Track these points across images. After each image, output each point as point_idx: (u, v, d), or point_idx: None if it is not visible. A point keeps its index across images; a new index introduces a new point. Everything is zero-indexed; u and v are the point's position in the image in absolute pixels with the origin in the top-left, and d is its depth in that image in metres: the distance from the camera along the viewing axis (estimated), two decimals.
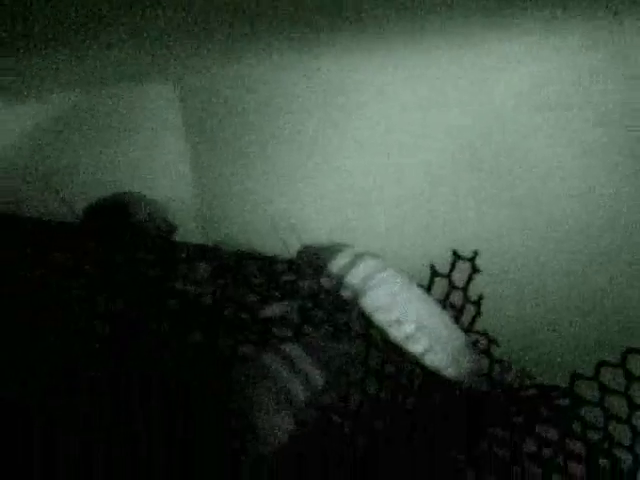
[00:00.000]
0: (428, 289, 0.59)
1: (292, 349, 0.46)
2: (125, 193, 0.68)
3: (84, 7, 0.65)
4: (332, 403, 0.48)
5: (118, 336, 0.49)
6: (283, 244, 0.58)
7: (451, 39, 0.66)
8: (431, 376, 0.53)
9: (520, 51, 0.65)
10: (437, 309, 0.53)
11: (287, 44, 0.73)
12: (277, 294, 0.58)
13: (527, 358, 0.56)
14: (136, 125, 0.78)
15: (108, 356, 0.48)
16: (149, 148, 0.78)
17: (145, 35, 0.70)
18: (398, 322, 0.51)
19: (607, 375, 0.51)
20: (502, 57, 0.66)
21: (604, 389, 0.51)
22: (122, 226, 0.64)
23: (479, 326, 0.58)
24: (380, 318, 0.52)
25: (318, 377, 0.45)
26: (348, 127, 0.73)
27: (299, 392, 0.43)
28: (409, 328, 0.51)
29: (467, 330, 0.57)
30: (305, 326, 0.56)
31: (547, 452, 0.50)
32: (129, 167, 0.77)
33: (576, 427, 0.52)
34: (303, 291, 0.56)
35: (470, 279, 0.58)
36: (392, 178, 0.71)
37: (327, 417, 0.50)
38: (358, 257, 0.54)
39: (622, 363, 0.50)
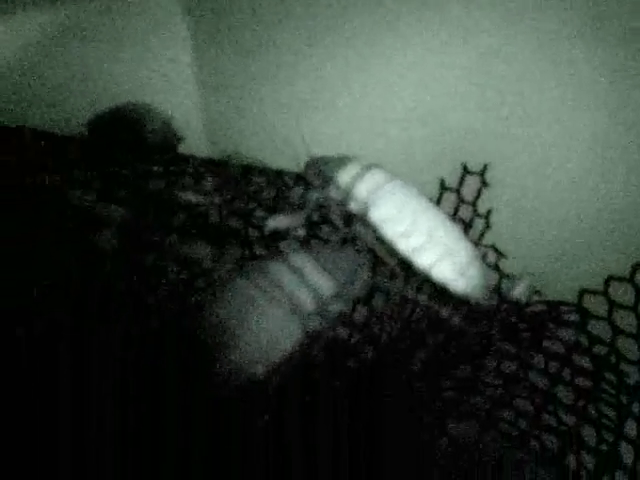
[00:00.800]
0: (437, 203, 0.58)
1: (299, 259, 0.45)
2: (129, 104, 0.67)
3: None
4: (339, 314, 0.48)
5: (124, 248, 0.48)
6: (294, 156, 0.57)
7: None
8: (439, 290, 0.53)
9: None
10: (445, 221, 0.52)
11: None
12: (285, 207, 0.57)
13: (536, 273, 0.55)
14: (139, 35, 0.77)
15: (115, 268, 0.48)
16: (153, 59, 0.77)
17: None
18: (406, 234, 0.51)
19: (616, 290, 0.51)
20: None
21: (612, 304, 0.51)
22: (127, 137, 0.64)
23: (488, 240, 0.57)
24: (387, 230, 0.51)
25: (325, 287, 0.45)
26: (362, 43, 0.71)
27: (307, 301, 0.43)
28: (417, 240, 0.51)
29: (476, 244, 0.57)
30: (312, 240, 0.56)
31: (554, 366, 0.50)
32: (132, 79, 0.76)
33: (583, 342, 0.52)
34: (311, 204, 0.55)
35: (479, 193, 0.58)
36: (403, 93, 0.70)
37: (334, 328, 0.50)
38: (366, 169, 0.54)
39: (631, 278, 0.50)
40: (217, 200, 0.54)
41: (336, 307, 0.46)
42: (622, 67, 0.59)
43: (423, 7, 0.67)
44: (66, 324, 0.43)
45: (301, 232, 0.55)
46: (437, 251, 0.50)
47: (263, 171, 0.62)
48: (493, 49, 0.65)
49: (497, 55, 0.65)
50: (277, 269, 0.44)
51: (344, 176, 0.53)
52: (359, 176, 0.53)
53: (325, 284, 0.45)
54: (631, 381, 0.49)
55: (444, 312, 0.55)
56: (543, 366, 0.51)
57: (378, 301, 0.54)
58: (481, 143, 0.64)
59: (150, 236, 0.49)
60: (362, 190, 0.52)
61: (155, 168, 0.56)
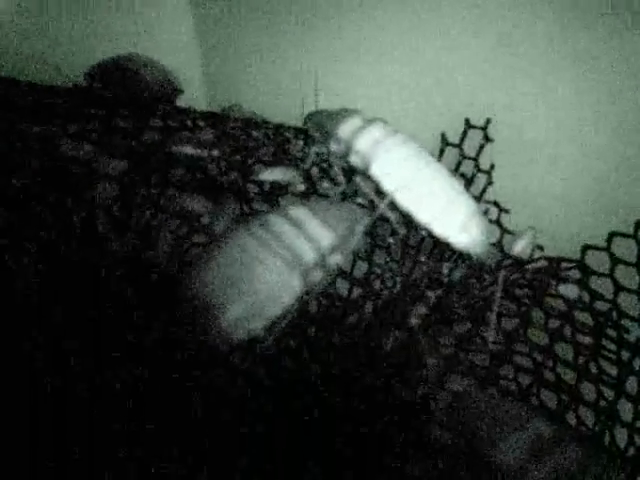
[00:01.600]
0: (439, 158, 0.58)
1: (299, 212, 0.45)
2: (129, 55, 0.66)
3: None
4: (339, 267, 0.48)
5: (121, 201, 0.48)
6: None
7: None
8: (439, 245, 0.53)
9: None
10: (447, 176, 0.52)
11: None
12: (285, 161, 0.57)
13: (538, 229, 0.55)
14: None
15: (111, 222, 0.47)
16: (154, 11, 0.76)
17: None
18: (407, 188, 0.50)
19: (619, 247, 0.50)
20: None
21: (615, 260, 0.50)
22: (125, 88, 0.63)
23: (490, 196, 0.57)
24: (388, 184, 0.51)
25: (325, 239, 0.44)
26: (362, 11, 0.70)
27: (306, 254, 0.43)
28: (418, 195, 0.50)
29: (478, 199, 0.56)
30: (312, 195, 0.55)
31: (555, 323, 0.50)
32: (131, 31, 0.75)
33: (585, 298, 0.52)
34: (311, 158, 0.55)
35: (482, 148, 0.57)
36: (406, 47, 0.69)
37: (334, 282, 0.50)
38: (367, 123, 0.53)
39: (635, 234, 0.49)
40: (216, 154, 0.53)
41: (335, 259, 0.46)
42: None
43: None
44: (61, 281, 0.43)
45: (301, 187, 0.54)
46: (438, 206, 0.50)
47: (263, 125, 0.61)
48: (499, 4, 0.64)
49: (501, 10, 0.64)
50: (277, 222, 0.43)
51: (345, 130, 0.53)
52: (360, 130, 0.52)
53: (325, 236, 0.44)
54: (632, 338, 0.49)
55: (444, 268, 0.55)
56: (544, 322, 0.51)
57: (379, 256, 0.53)
58: (484, 97, 0.63)
59: (148, 190, 0.49)
60: (363, 144, 0.52)
61: (153, 120, 0.55)
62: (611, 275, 0.50)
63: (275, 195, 0.54)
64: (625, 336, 0.49)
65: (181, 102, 0.67)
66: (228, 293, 0.40)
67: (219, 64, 0.78)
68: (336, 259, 0.46)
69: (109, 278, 0.44)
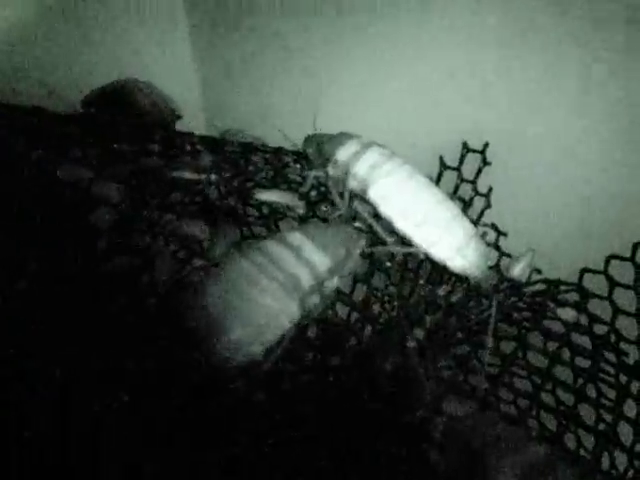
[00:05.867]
0: (437, 181, 0.58)
1: (296, 237, 0.45)
2: (128, 80, 0.67)
3: None
4: (337, 291, 0.48)
5: (120, 227, 0.48)
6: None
7: None
8: (438, 268, 0.53)
9: None
10: (445, 200, 0.52)
11: None
12: (284, 185, 0.57)
13: (536, 252, 0.55)
14: (136, 12, 0.76)
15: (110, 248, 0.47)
16: (153, 36, 0.77)
17: None
18: (404, 213, 0.50)
19: (616, 270, 0.51)
20: None
21: (613, 282, 0.50)
22: (124, 114, 0.63)
23: (488, 219, 0.57)
24: (386, 209, 0.51)
25: (322, 264, 0.44)
26: (363, 21, 0.71)
27: (304, 279, 0.43)
28: (415, 219, 0.50)
29: (476, 222, 0.56)
30: (311, 219, 0.55)
31: (553, 346, 0.50)
32: (130, 56, 0.76)
33: (583, 321, 0.52)
34: (309, 182, 0.55)
35: (480, 171, 0.58)
36: (402, 70, 0.69)
37: (332, 306, 0.50)
38: (365, 147, 0.53)
39: (632, 257, 0.50)
40: (214, 178, 0.54)
41: (333, 284, 0.46)
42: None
43: None
44: (60, 303, 0.43)
45: (300, 210, 0.54)
46: (435, 230, 0.50)
47: (261, 149, 0.62)
48: (493, 28, 0.64)
49: (496, 33, 0.64)
50: (274, 247, 0.44)
51: (343, 154, 0.53)
52: (358, 154, 0.53)
53: (322, 261, 0.45)
54: (630, 361, 0.49)
55: (442, 291, 0.55)
56: (542, 345, 0.51)
57: (377, 279, 0.53)
58: (482, 121, 0.63)
59: (147, 214, 0.49)
60: (361, 168, 0.52)
61: (152, 145, 0.55)
62: (609, 298, 0.51)
63: (274, 218, 0.54)
64: (623, 359, 0.49)
65: (180, 126, 0.68)
66: (226, 318, 0.40)
67: (218, 88, 0.78)
68: (334, 283, 0.46)
69: (108, 301, 0.44)
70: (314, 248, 0.45)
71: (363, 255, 0.51)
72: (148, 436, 0.40)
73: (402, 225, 0.51)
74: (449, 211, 0.51)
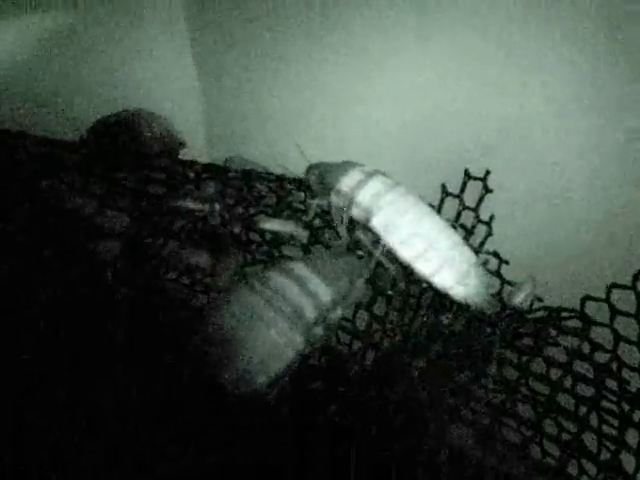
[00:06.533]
0: (439, 209, 0.58)
1: (299, 267, 0.45)
2: (131, 110, 0.67)
3: None
4: (340, 321, 0.48)
5: (125, 256, 0.48)
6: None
7: None
8: (440, 296, 0.53)
9: None
10: (447, 228, 0.52)
11: None
12: (287, 213, 0.57)
13: (538, 279, 0.55)
14: (140, 42, 0.77)
15: (113, 277, 0.48)
16: (156, 67, 0.77)
17: None
18: (407, 242, 0.51)
19: (618, 298, 0.51)
20: None
21: (614, 311, 0.51)
22: (128, 143, 0.64)
23: (490, 246, 0.57)
24: (389, 237, 0.51)
25: (325, 295, 0.45)
26: (363, 50, 0.71)
27: (308, 310, 0.43)
28: (418, 248, 0.51)
29: (478, 250, 0.57)
30: (314, 246, 0.56)
31: (556, 373, 0.50)
32: (134, 85, 0.76)
33: (585, 349, 0.52)
34: (312, 210, 0.56)
35: (482, 199, 0.58)
36: (405, 99, 0.70)
37: (336, 335, 0.50)
38: (368, 175, 0.54)
39: (633, 285, 0.50)
40: (218, 206, 0.54)
41: (337, 314, 0.46)
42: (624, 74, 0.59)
43: (423, 16, 0.67)
44: (68, 334, 0.43)
45: (303, 239, 0.55)
46: (438, 259, 0.51)
47: (264, 176, 0.62)
48: (494, 56, 0.65)
49: (497, 62, 0.65)
50: (277, 278, 0.44)
51: (346, 183, 0.53)
52: (361, 183, 0.53)
53: (325, 291, 0.45)
54: (633, 388, 0.49)
55: (445, 319, 0.55)
56: (545, 373, 0.51)
57: (379, 307, 0.54)
58: (484, 149, 0.64)
59: (151, 243, 0.49)
60: (364, 197, 0.52)
61: (156, 174, 0.56)
62: (611, 326, 0.51)
63: (277, 246, 0.55)
64: (626, 387, 0.49)
65: (183, 155, 0.68)
66: (231, 349, 0.40)
67: (221, 117, 0.79)
68: (337, 314, 0.46)
69: (113, 330, 0.45)
70: (317, 279, 0.45)
71: (365, 282, 0.51)
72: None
73: (404, 254, 0.51)
74: (451, 240, 0.52)
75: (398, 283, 0.54)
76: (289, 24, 0.74)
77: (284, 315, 0.42)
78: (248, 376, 0.40)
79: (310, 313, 0.44)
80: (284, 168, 0.59)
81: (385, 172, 0.55)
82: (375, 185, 0.53)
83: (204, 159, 0.63)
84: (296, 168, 0.59)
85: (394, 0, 0.68)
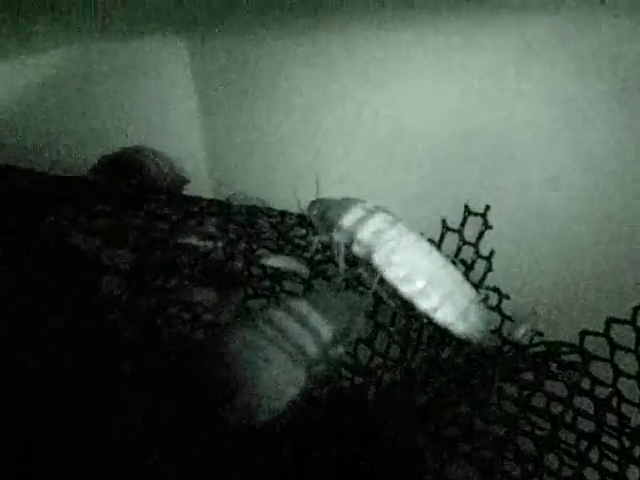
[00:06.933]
0: (439, 244, 0.59)
1: (301, 305, 0.46)
2: (135, 147, 0.68)
3: None
4: (341, 357, 0.48)
5: (125, 292, 0.49)
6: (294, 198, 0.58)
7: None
8: (441, 332, 0.53)
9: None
10: (447, 265, 0.53)
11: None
12: (288, 247, 0.58)
13: (537, 314, 0.56)
14: (145, 79, 0.78)
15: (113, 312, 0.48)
16: (159, 102, 0.78)
17: None
18: (408, 278, 0.51)
19: (617, 332, 0.51)
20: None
21: (614, 345, 0.51)
22: (133, 180, 0.64)
23: (490, 282, 0.57)
24: (390, 274, 0.52)
25: (326, 332, 0.45)
26: (358, 92, 0.72)
27: (310, 347, 0.44)
28: (419, 284, 0.51)
29: (478, 286, 0.57)
30: (316, 281, 0.56)
31: (556, 408, 0.50)
32: (139, 122, 0.77)
33: (585, 384, 0.52)
34: (313, 247, 0.56)
35: (481, 234, 0.58)
36: (404, 135, 0.70)
37: (337, 371, 0.50)
38: (370, 212, 0.54)
39: (632, 320, 0.50)
40: (221, 242, 0.54)
41: (338, 350, 0.47)
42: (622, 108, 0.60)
43: (420, 47, 0.68)
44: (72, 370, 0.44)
45: (304, 275, 0.55)
46: (438, 295, 0.51)
47: (267, 212, 0.63)
48: (493, 88, 0.66)
49: (498, 95, 0.65)
50: (279, 316, 0.44)
51: (347, 219, 0.54)
52: (362, 220, 0.54)
53: (327, 328, 0.45)
54: (633, 424, 0.49)
55: (445, 353, 0.56)
56: (545, 407, 0.51)
57: (380, 342, 0.54)
58: (484, 184, 0.64)
59: (154, 280, 0.50)
60: (365, 234, 0.53)
61: (160, 211, 0.56)
62: (611, 360, 0.51)
63: (279, 281, 0.55)
64: (626, 422, 0.50)
65: (187, 191, 0.69)
66: (232, 386, 0.41)
67: (224, 153, 0.79)
68: (339, 350, 0.46)
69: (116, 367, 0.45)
70: (318, 316, 0.46)
71: (366, 317, 0.52)
72: None
73: (406, 290, 0.51)
74: (451, 276, 0.53)
75: (399, 318, 0.55)
76: (291, 65, 0.75)
77: (285, 353, 0.42)
78: (250, 414, 0.41)
79: (311, 350, 0.44)
80: (296, 201, 0.60)
81: (386, 208, 0.55)
82: (376, 222, 0.53)
83: (207, 195, 0.63)
84: (298, 204, 0.59)
85: (396, 37, 0.69)
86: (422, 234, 0.56)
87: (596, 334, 0.52)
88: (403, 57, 0.69)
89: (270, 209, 0.64)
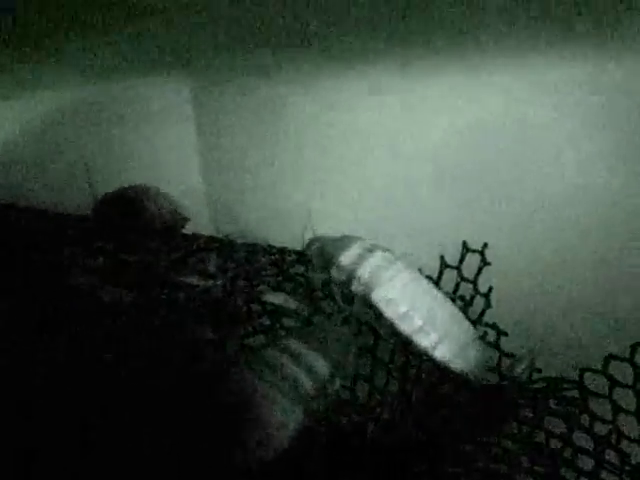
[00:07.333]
0: (438, 280, 0.59)
1: (297, 344, 0.46)
2: (136, 186, 0.68)
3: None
4: (339, 394, 0.49)
5: (126, 331, 0.49)
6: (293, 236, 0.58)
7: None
8: (439, 369, 0.54)
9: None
10: (446, 302, 0.54)
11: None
12: (288, 284, 0.58)
13: (536, 351, 0.56)
14: (147, 117, 0.78)
15: (112, 351, 0.48)
16: (160, 140, 0.79)
17: (159, 31, 0.71)
18: (407, 316, 0.52)
19: (616, 368, 0.51)
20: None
21: (613, 382, 0.51)
22: (133, 219, 0.65)
23: (488, 318, 0.58)
24: (389, 311, 0.52)
25: (324, 368, 0.45)
26: (357, 132, 0.73)
27: (307, 384, 0.44)
28: (418, 322, 0.52)
29: (476, 322, 0.57)
30: (315, 317, 0.56)
31: (555, 445, 0.50)
32: (140, 159, 0.78)
33: (584, 420, 0.52)
34: (313, 284, 0.56)
35: (480, 271, 0.59)
36: (402, 174, 0.71)
37: (335, 408, 0.51)
38: (368, 250, 0.55)
39: (631, 357, 0.50)
40: (221, 280, 0.55)
41: (335, 386, 0.47)
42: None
43: (420, 85, 0.69)
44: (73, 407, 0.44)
45: (304, 309, 0.56)
46: (436, 333, 0.52)
47: (266, 249, 0.63)
48: (489, 125, 0.66)
49: (494, 132, 0.66)
50: (276, 355, 0.45)
51: (346, 257, 0.54)
52: (361, 258, 0.54)
53: (322, 365, 0.46)
54: (633, 460, 0.49)
55: (443, 390, 0.56)
56: (544, 444, 0.51)
57: (379, 378, 0.54)
58: (482, 220, 0.65)
59: (153, 318, 0.50)
60: (364, 272, 0.53)
61: (160, 249, 0.57)
62: (610, 397, 0.51)
63: (278, 318, 0.55)
64: (626, 459, 0.49)
65: (188, 229, 0.69)
66: (233, 426, 0.41)
67: (224, 191, 0.80)
68: (336, 385, 0.47)
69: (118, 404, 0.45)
70: (314, 353, 0.46)
71: (366, 354, 0.52)
72: None
73: (404, 328, 0.52)
74: (449, 314, 0.53)
75: (398, 355, 0.55)
76: (287, 105, 0.75)
77: (284, 392, 0.43)
78: (249, 451, 0.41)
79: (309, 387, 0.44)
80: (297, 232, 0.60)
81: (384, 246, 0.56)
82: (375, 260, 0.54)
83: (207, 232, 0.64)
84: (298, 241, 0.59)
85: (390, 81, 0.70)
86: (420, 270, 0.56)
87: (595, 371, 0.52)
88: (399, 102, 0.70)
89: (270, 246, 0.65)
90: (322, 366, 0.46)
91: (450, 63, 0.66)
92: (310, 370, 0.45)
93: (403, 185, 0.71)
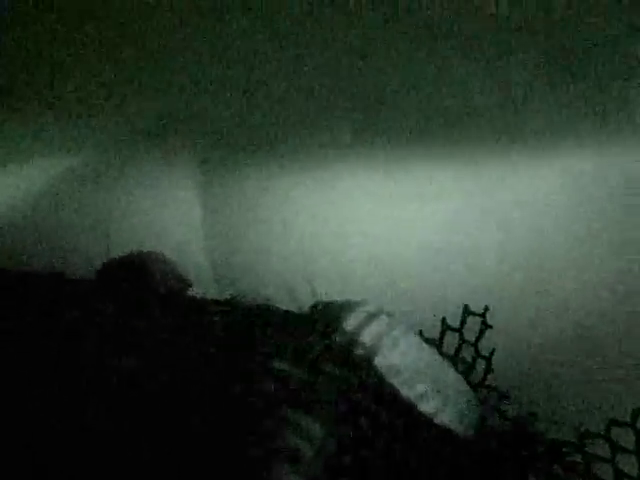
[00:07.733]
0: (439, 343, 0.59)
1: (294, 412, 0.47)
2: (139, 253, 0.69)
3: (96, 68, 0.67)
4: (338, 459, 0.49)
5: (130, 398, 0.49)
6: (296, 299, 0.59)
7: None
8: (442, 433, 0.54)
9: None
10: (448, 368, 0.54)
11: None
12: (290, 348, 0.58)
13: (538, 413, 0.56)
14: (149, 180, 0.79)
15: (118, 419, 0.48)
16: (163, 203, 0.79)
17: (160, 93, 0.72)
18: (410, 382, 0.52)
19: (618, 432, 0.51)
20: None
21: (615, 447, 0.51)
22: (136, 286, 0.65)
23: (490, 381, 0.58)
24: (391, 377, 0.52)
25: (319, 433, 0.46)
26: (357, 195, 0.74)
27: (305, 450, 0.44)
28: (420, 388, 0.52)
29: (478, 385, 0.57)
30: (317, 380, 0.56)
31: None
32: (142, 222, 0.78)
33: None
34: (315, 349, 0.57)
35: (481, 334, 0.59)
36: (403, 236, 0.72)
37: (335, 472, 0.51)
38: (371, 316, 0.55)
39: (632, 423, 0.50)
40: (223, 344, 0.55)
41: (332, 448, 0.47)
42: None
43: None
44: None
45: (305, 376, 0.56)
46: (439, 399, 0.52)
47: (269, 312, 0.63)
48: (488, 187, 0.67)
49: (493, 194, 0.67)
50: (274, 424, 0.45)
51: (349, 322, 0.55)
52: (365, 323, 0.54)
53: (320, 431, 0.46)
54: None
55: (447, 453, 0.56)
56: None
57: (381, 442, 0.54)
58: (483, 284, 0.65)
59: (155, 385, 0.50)
60: (367, 337, 0.54)
61: (163, 315, 0.57)
62: (612, 461, 0.51)
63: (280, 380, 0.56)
64: None
65: (191, 293, 0.69)
66: None
67: (226, 255, 0.80)
68: (333, 447, 0.47)
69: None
70: (311, 420, 0.46)
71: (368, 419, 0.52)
72: None
73: (407, 394, 0.52)
74: (452, 379, 0.53)
75: (399, 419, 0.55)
76: (288, 169, 0.76)
77: (282, 459, 0.43)
78: None
79: (307, 452, 0.44)
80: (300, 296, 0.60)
81: (388, 311, 0.56)
82: (378, 325, 0.54)
83: (211, 295, 0.64)
84: (300, 305, 0.60)
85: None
86: (421, 332, 0.57)
87: (597, 436, 0.52)
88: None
89: (273, 308, 0.65)
90: (320, 431, 0.46)
91: None
92: (309, 437, 0.45)
93: (405, 251, 0.72)
